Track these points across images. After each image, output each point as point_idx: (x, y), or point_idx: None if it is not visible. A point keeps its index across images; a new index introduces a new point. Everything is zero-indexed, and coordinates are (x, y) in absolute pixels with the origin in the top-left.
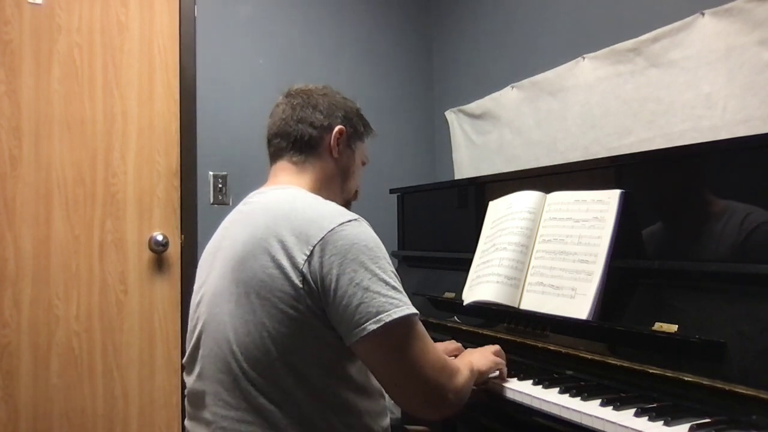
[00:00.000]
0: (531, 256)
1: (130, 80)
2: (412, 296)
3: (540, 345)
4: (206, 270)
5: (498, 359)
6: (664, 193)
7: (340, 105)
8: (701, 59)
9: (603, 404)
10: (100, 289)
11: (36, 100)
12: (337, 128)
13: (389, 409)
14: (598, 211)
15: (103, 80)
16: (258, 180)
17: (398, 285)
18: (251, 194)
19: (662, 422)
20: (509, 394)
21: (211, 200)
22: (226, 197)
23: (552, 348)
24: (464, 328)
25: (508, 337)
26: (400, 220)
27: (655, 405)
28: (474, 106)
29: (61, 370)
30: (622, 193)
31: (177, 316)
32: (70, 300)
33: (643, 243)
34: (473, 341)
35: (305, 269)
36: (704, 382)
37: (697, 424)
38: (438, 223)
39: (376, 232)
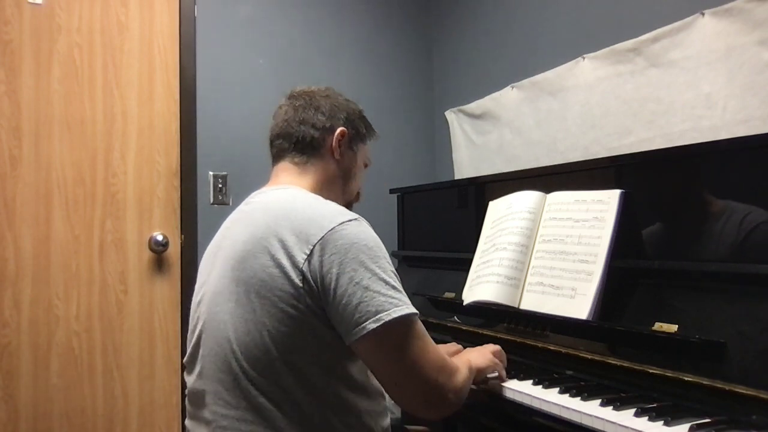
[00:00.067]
0: (531, 256)
1: (130, 80)
2: (412, 296)
3: (540, 345)
4: (207, 269)
5: (496, 359)
6: (664, 193)
7: (343, 107)
8: (701, 59)
9: (603, 404)
10: (100, 289)
11: (36, 100)
12: (339, 130)
13: (389, 409)
14: (598, 211)
15: (103, 80)
16: (258, 180)
17: (398, 285)
18: (252, 194)
19: (662, 422)
20: (509, 394)
21: (211, 200)
22: (226, 197)
23: (552, 348)
24: (464, 328)
25: (508, 337)
26: (400, 220)
27: (655, 405)
28: (474, 106)
29: (61, 370)
30: (622, 193)
31: (177, 316)
32: (70, 300)
33: (643, 243)
34: (473, 341)
35: (305, 268)
36: (704, 382)
37: (697, 424)
38: (438, 223)
39: (376, 232)
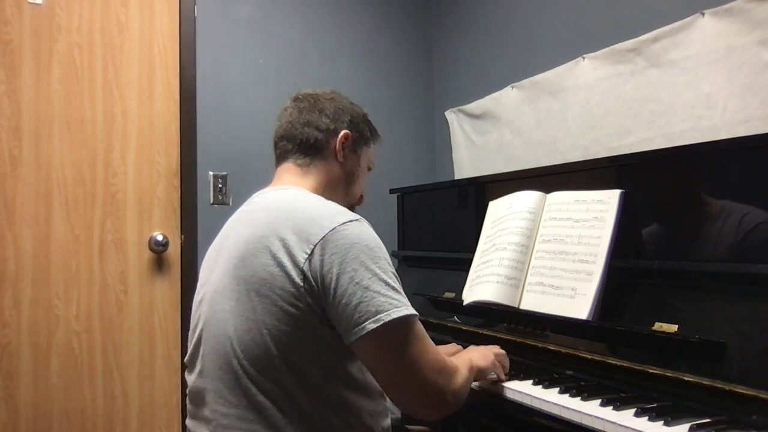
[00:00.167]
0: (531, 256)
1: (130, 80)
2: (412, 296)
3: (540, 345)
4: (209, 269)
5: (498, 362)
6: (664, 193)
7: (347, 110)
8: (701, 59)
9: (603, 404)
10: (100, 289)
11: (36, 100)
12: (342, 132)
13: (389, 410)
14: (598, 211)
15: (103, 80)
16: (258, 180)
17: (398, 286)
18: (254, 194)
19: (662, 422)
20: (509, 394)
21: (211, 200)
22: (226, 197)
23: (552, 348)
24: (464, 328)
25: (508, 337)
26: (400, 220)
27: (655, 405)
28: (474, 106)
29: (61, 370)
30: (622, 193)
31: (177, 316)
32: (70, 300)
33: (643, 243)
34: (473, 341)
35: (306, 267)
36: (704, 382)
37: (697, 424)
38: (438, 223)
39: (376, 232)
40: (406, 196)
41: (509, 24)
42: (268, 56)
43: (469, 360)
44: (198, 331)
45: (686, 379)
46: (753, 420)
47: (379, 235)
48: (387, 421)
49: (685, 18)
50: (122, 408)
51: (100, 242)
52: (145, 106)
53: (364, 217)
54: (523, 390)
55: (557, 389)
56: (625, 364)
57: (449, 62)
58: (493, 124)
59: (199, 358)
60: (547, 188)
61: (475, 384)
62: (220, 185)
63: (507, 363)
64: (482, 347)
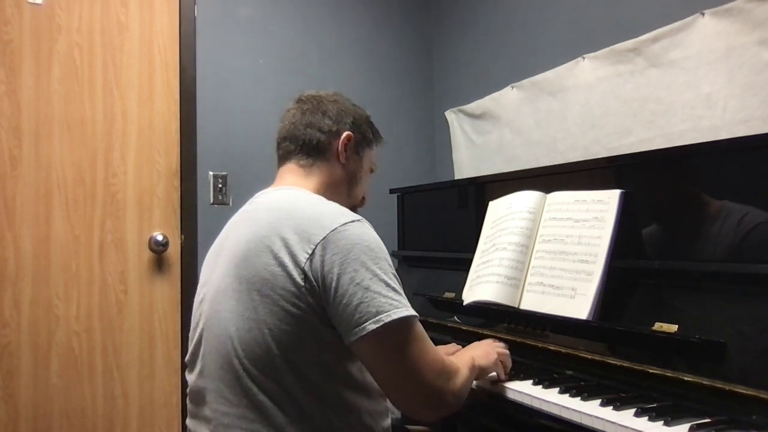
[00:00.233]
0: (531, 256)
1: (130, 80)
2: (412, 296)
3: (540, 345)
4: (210, 269)
5: (500, 361)
6: (664, 193)
7: (350, 111)
8: (701, 59)
9: (603, 404)
10: (100, 289)
11: (36, 100)
12: (345, 134)
13: (389, 410)
14: (598, 211)
15: (103, 80)
16: (258, 180)
17: (398, 287)
18: (256, 195)
19: (662, 422)
20: (509, 394)
21: (211, 200)
22: (226, 197)
23: (552, 348)
24: (464, 328)
25: (508, 337)
26: (400, 220)
27: (655, 405)
28: (474, 106)
29: (61, 370)
30: (622, 193)
31: (177, 316)
32: (70, 300)
33: (643, 243)
34: (473, 341)
35: (307, 267)
36: (704, 382)
37: (697, 424)
38: (438, 223)
39: (376, 232)
40: (406, 196)
41: (509, 24)
42: (268, 56)
43: (470, 359)
44: (199, 331)
45: (686, 379)
46: (753, 420)
47: (379, 235)
48: (387, 421)
49: (685, 18)
50: (122, 408)
51: (100, 242)
52: (145, 106)
53: (364, 218)
54: (523, 390)
55: (557, 389)
56: (625, 364)
57: (449, 62)
58: (493, 124)
59: (200, 357)
60: (547, 188)
61: (474, 384)
62: (220, 185)
63: (509, 363)
64: (486, 343)
